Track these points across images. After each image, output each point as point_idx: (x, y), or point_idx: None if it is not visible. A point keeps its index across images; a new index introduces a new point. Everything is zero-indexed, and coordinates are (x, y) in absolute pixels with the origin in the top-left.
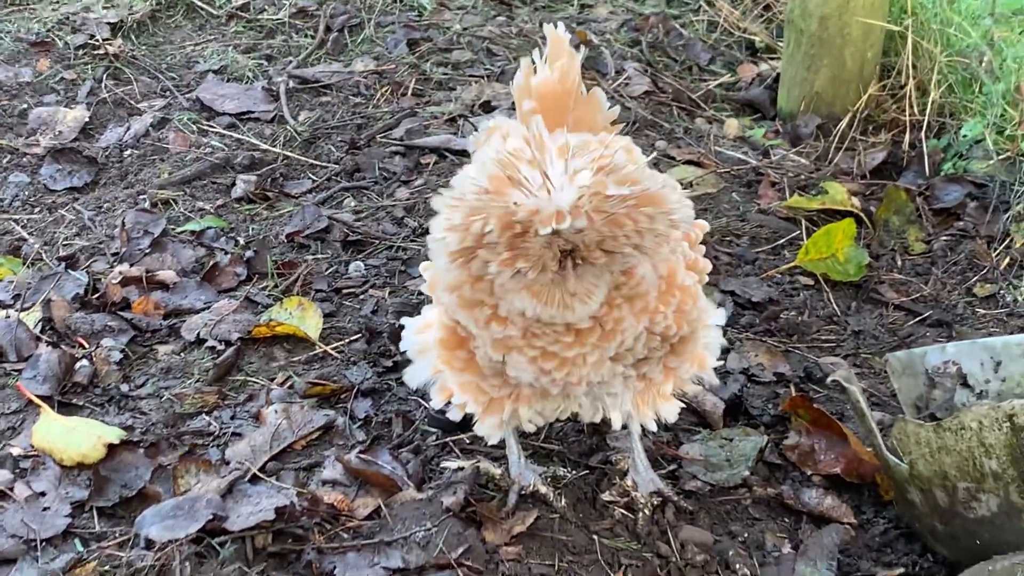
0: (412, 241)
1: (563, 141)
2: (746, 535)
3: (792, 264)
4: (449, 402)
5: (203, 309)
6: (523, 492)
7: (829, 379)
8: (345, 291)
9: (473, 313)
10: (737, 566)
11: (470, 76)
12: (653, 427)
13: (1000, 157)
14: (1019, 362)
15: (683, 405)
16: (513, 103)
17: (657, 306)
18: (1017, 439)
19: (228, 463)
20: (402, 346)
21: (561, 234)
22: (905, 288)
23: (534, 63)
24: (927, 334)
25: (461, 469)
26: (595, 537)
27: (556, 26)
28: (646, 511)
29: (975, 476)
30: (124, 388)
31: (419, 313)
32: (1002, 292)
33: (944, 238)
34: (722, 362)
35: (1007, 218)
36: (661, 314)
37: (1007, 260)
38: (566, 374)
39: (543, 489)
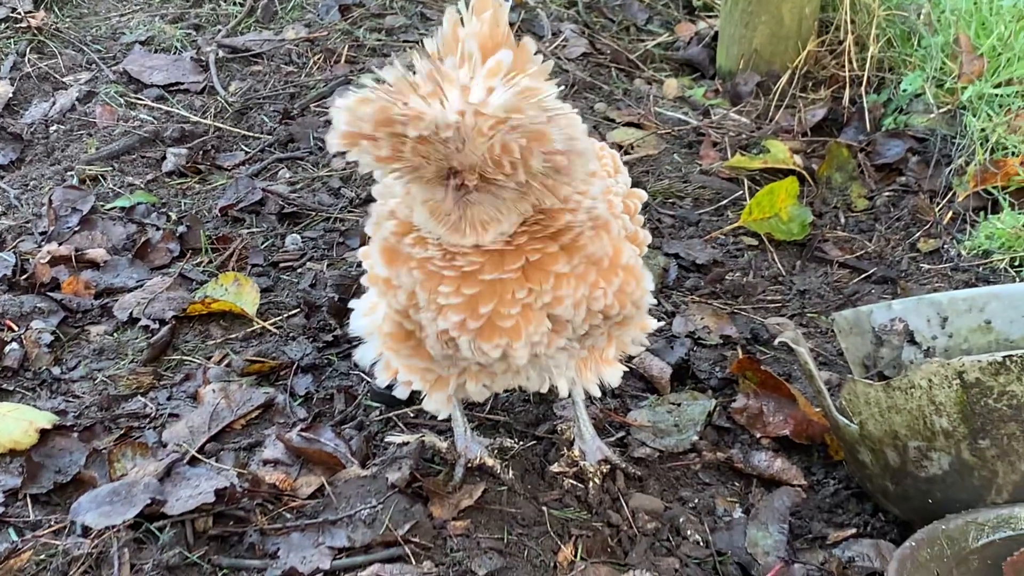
0: (350, 212)
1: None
2: (697, 500)
3: (736, 224)
4: (395, 380)
5: (136, 287)
6: (470, 465)
7: (776, 340)
8: (282, 265)
9: (405, 238)
10: (689, 532)
11: (404, 42)
12: (597, 392)
13: (940, 110)
14: (965, 317)
15: (626, 369)
16: None
17: (597, 280)
18: (967, 396)
19: (165, 445)
20: (351, 330)
21: (442, 150)
22: (849, 245)
23: (460, 14)
24: (872, 291)
25: (406, 444)
26: (544, 508)
27: None
28: (596, 480)
29: (926, 435)
30: (56, 371)
31: (363, 291)
32: (946, 247)
33: (887, 194)
34: (664, 324)
35: (949, 172)
36: (601, 290)
37: (950, 214)
38: (494, 311)
39: (490, 461)
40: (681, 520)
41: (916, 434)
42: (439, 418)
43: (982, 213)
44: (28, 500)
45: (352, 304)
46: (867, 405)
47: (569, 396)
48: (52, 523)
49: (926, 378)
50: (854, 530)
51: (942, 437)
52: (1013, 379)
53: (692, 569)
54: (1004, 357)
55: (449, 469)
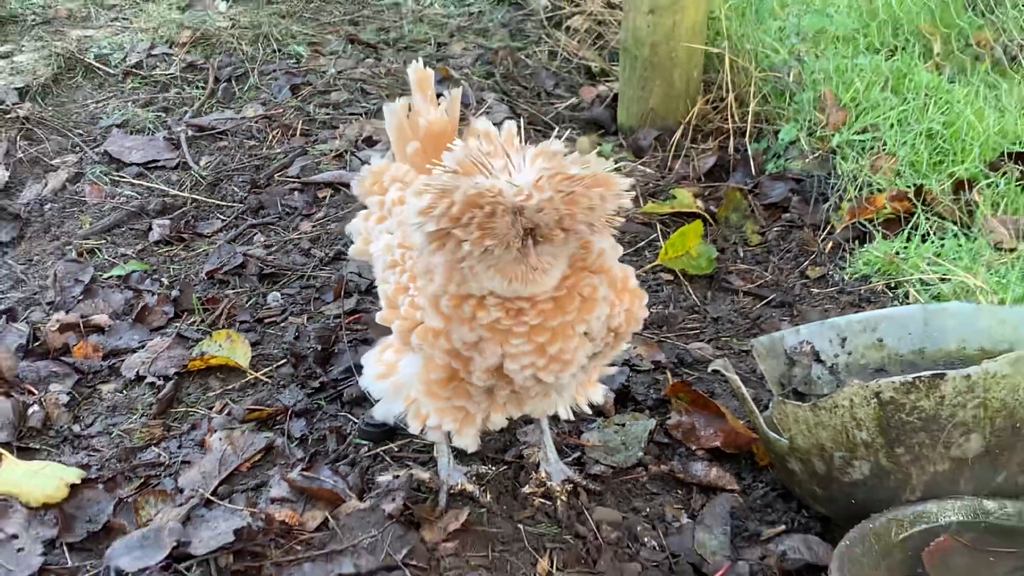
0: (321, 269)
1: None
2: (648, 509)
3: (654, 263)
4: (424, 426)
5: (139, 348)
6: (452, 491)
7: (709, 368)
8: (267, 320)
9: (463, 307)
10: (645, 539)
11: (350, 114)
12: (589, 411)
13: (814, 155)
14: (861, 337)
15: (607, 388)
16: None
17: (614, 300)
18: (884, 412)
19: (182, 491)
20: (369, 392)
21: (524, 213)
22: (750, 276)
23: (411, 107)
24: (773, 315)
25: (397, 478)
26: (520, 526)
27: (420, 63)
28: (562, 498)
29: (848, 446)
30: (76, 429)
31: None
32: (831, 273)
33: (776, 229)
34: None
35: (827, 208)
36: (618, 307)
37: (830, 244)
38: (559, 350)
39: (470, 487)
40: (638, 529)
41: (840, 446)
42: (469, 452)
43: (857, 242)
44: (65, 548)
45: (365, 368)
46: (796, 423)
47: (537, 423)
48: (88, 568)
49: (848, 399)
50: (784, 527)
51: (863, 448)
52: (922, 396)
53: (652, 572)
54: (914, 378)
55: (434, 496)
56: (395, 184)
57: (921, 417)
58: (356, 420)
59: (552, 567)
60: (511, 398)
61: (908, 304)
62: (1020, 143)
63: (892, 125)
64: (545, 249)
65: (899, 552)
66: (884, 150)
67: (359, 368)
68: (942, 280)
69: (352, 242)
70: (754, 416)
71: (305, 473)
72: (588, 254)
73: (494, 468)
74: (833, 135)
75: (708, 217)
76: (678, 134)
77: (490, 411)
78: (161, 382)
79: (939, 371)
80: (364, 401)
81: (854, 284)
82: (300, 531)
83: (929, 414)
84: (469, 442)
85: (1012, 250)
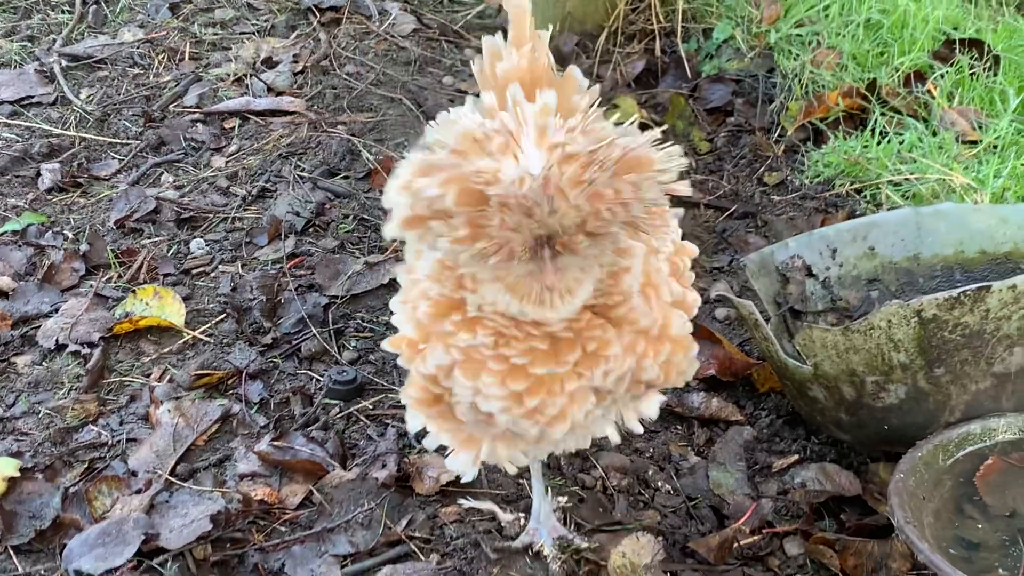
0: (245, 210)
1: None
2: (652, 450)
3: None
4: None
5: (52, 312)
6: (530, 550)
7: (713, 295)
8: (194, 271)
9: (444, 327)
10: (659, 483)
11: (241, 34)
12: (639, 429)
13: (752, 54)
14: (851, 246)
15: (664, 398)
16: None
17: (647, 351)
18: (925, 331)
19: (136, 474)
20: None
21: (534, 216)
22: (706, 186)
23: (498, 48)
24: (738, 227)
25: (476, 511)
26: (522, 481)
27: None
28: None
29: (884, 370)
30: None
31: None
32: (789, 178)
33: (724, 135)
34: None
35: (772, 109)
36: (649, 360)
37: (783, 147)
38: (541, 403)
39: (555, 567)
40: (649, 472)
41: (874, 370)
42: (463, 480)
43: (811, 144)
44: (11, 552)
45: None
46: (823, 348)
47: None
48: (43, 573)
49: (885, 319)
50: (796, 456)
51: (899, 370)
52: (966, 311)
53: (671, 519)
54: (959, 292)
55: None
56: None
57: (964, 334)
58: (320, 377)
59: (567, 524)
60: (515, 439)
61: (880, 209)
62: (959, 29)
63: (828, 17)
64: (570, 263)
65: (949, 479)
66: (825, 44)
67: (312, 319)
68: (917, 180)
69: None
70: (769, 343)
71: (276, 443)
72: (614, 289)
73: (589, 542)
74: (769, 31)
75: (652, 127)
76: (602, 38)
77: (496, 444)
78: (86, 350)
79: (984, 283)
80: (325, 355)
81: (817, 188)
82: (282, 509)
83: (973, 330)
84: (464, 468)
85: (976, 142)
